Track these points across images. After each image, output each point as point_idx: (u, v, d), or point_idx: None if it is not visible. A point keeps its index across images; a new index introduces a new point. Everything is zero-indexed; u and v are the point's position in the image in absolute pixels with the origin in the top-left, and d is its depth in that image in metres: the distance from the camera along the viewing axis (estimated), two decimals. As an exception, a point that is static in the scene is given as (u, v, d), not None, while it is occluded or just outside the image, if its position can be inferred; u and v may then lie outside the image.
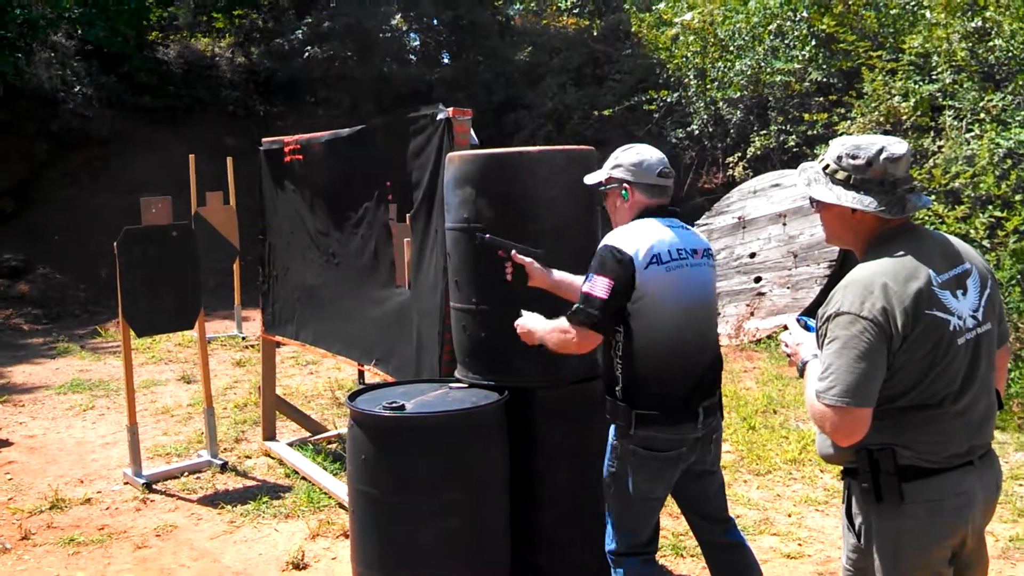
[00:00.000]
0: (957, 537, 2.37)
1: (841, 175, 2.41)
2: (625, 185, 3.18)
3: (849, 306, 2.27)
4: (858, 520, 2.42)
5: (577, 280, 3.29)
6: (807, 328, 2.56)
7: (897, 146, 2.36)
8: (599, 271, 3.01)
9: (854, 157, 2.39)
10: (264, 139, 6.06)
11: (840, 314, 2.28)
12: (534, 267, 3.45)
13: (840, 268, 9.02)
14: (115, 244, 5.41)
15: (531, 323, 3.28)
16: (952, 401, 2.32)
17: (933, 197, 7.01)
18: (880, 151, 2.36)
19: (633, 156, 3.19)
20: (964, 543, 2.40)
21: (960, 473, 2.34)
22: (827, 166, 2.46)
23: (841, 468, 2.50)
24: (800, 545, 4.55)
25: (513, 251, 3.46)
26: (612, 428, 3.18)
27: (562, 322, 3.10)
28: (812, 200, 2.52)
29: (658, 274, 3.01)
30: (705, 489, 3.29)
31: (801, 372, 2.49)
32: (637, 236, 3.05)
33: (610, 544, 3.28)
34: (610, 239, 3.07)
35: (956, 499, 2.34)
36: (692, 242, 3.15)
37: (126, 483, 5.64)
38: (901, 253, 2.34)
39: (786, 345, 2.59)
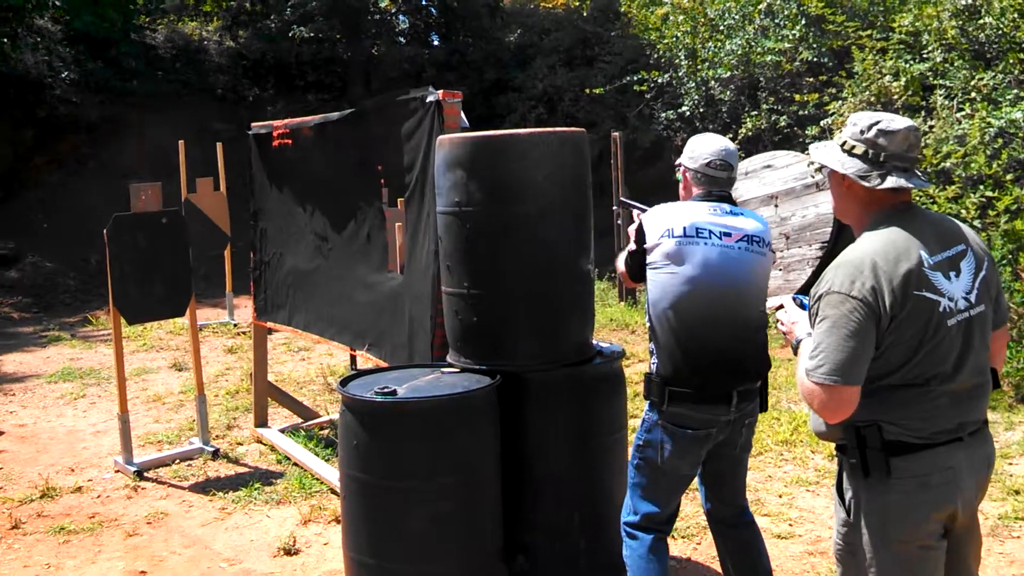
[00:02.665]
0: (946, 512, 2.39)
1: (847, 145, 2.48)
2: (683, 170, 3.36)
3: (839, 286, 2.31)
4: (848, 495, 2.45)
5: None
6: (803, 307, 2.58)
7: (894, 122, 2.42)
8: (634, 236, 3.30)
9: (854, 124, 2.48)
10: (253, 123, 6.01)
11: (830, 293, 2.32)
12: None
13: (832, 249, 9.02)
14: (104, 231, 5.38)
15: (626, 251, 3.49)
16: (941, 381, 2.35)
17: (924, 177, 7.00)
18: (875, 123, 2.43)
19: (691, 145, 3.34)
20: (955, 518, 2.41)
21: (948, 449, 2.37)
22: (844, 140, 2.53)
23: (835, 445, 2.53)
24: (791, 525, 4.57)
25: (634, 211, 3.66)
26: (647, 404, 3.27)
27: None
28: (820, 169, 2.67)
29: (669, 244, 3.13)
30: (726, 471, 3.37)
31: (795, 350, 2.52)
32: (664, 210, 3.24)
33: (628, 516, 3.34)
34: (644, 215, 3.29)
35: (943, 474, 2.36)
36: (730, 226, 3.18)
37: (117, 471, 5.63)
38: (895, 233, 2.37)
39: (782, 324, 2.62)
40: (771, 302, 3.10)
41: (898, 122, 2.42)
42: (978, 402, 2.45)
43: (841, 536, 2.50)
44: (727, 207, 3.25)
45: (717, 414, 3.15)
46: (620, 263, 3.44)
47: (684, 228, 3.13)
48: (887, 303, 2.28)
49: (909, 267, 2.32)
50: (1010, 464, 5.20)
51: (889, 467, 2.35)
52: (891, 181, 2.39)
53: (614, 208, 3.96)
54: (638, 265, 3.27)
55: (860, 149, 2.44)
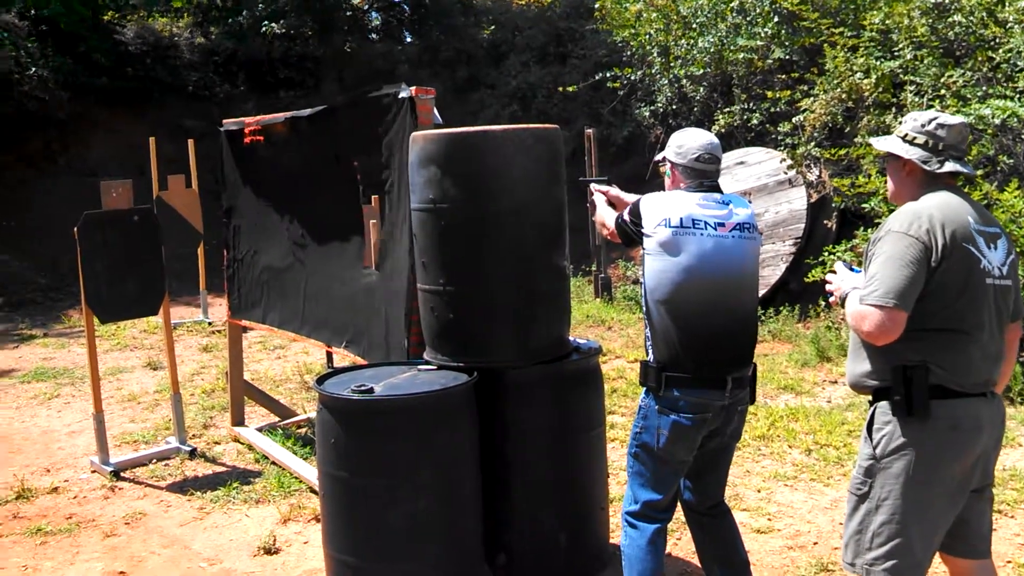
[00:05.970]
0: (969, 459, 2.70)
1: (908, 136, 2.84)
2: (669, 164, 3.42)
3: (899, 227, 2.67)
4: (879, 434, 2.75)
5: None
6: (851, 270, 2.94)
7: (950, 118, 2.81)
8: (629, 209, 3.41)
9: (915, 120, 2.84)
10: (225, 120, 5.98)
11: (890, 233, 2.68)
12: (611, 193, 3.81)
13: (805, 246, 9.10)
14: (75, 229, 5.33)
15: (601, 208, 3.73)
16: (977, 334, 2.68)
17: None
18: (934, 118, 2.81)
19: (677, 140, 3.40)
20: (972, 470, 2.73)
21: (977, 400, 2.71)
22: (905, 133, 2.87)
23: (871, 395, 2.83)
24: (770, 520, 4.62)
25: (592, 185, 3.86)
26: (643, 391, 3.31)
27: (612, 215, 3.58)
28: (881, 159, 2.92)
29: (665, 233, 3.19)
30: (713, 459, 3.41)
31: (843, 303, 2.84)
32: (660, 199, 3.31)
33: (629, 506, 3.38)
34: (642, 198, 3.38)
35: (971, 421, 2.69)
36: (723, 216, 3.25)
37: (93, 471, 5.59)
38: (949, 197, 2.75)
39: (830, 283, 2.95)
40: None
41: (954, 118, 2.80)
42: (997, 365, 2.78)
43: (863, 471, 2.80)
44: (717, 196, 3.31)
45: (712, 399, 3.21)
46: (610, 222, 3.54)
47: (681, 219, 3.20)
48: (939, 245, 2.63)
49: (960, 222, 2.68)
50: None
51: (929, 409, 2.65)
52: (949, 166, 2.77)
53: (580, 179, 4.10)
54: (629, 236, 3.40)
55: (921, 140, 2.80)
